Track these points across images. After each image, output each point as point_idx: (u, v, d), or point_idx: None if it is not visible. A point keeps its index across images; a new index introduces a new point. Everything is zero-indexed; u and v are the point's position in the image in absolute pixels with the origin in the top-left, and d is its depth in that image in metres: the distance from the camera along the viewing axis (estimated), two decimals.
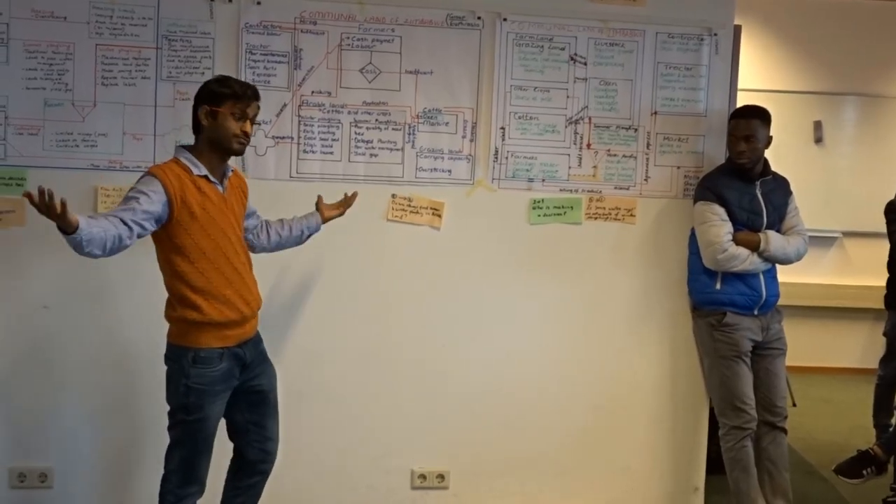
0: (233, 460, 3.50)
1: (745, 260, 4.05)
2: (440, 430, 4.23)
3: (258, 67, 3.96)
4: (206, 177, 3.20)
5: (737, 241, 4.06)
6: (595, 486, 4.36)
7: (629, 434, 4.36)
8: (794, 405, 6.29)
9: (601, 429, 4.33)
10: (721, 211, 4.06)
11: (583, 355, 4.29)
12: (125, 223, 2.98)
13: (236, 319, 3.25)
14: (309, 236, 3.73)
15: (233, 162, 3.37)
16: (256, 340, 3.40)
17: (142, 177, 3.14)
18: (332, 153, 4.06)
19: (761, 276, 4.13)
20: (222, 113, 3.17)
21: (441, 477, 4.24)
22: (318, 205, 3.76)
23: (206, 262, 3.18)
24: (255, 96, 3.25)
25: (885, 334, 5.12)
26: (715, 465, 4.36)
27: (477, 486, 4.28)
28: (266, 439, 3.46)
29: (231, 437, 3.45)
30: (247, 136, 3.21)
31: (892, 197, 5.07)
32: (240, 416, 3.41)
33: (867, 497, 4.79)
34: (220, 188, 3.25)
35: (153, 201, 3.06)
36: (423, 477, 4.23)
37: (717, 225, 4.05)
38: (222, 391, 3.26)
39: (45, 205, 2.71)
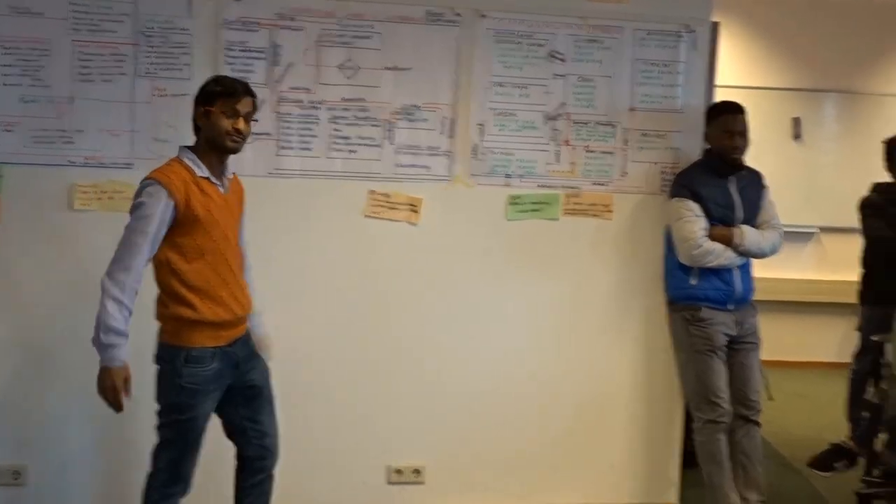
0: (236, 462, 3.50)
1: (719, 255, 4.08)
2: (417, 426, 4.25)
3: (236, 64, 3.96)
4: (207, 178, 3.21)
5: (712, 237, 4.09)
6: (572, 482, 4.39)
7: (606, 429, 4.39)
8: (771, 399, 6.31)
9: (579, 424, 4.37)
10: (695, 207, 4.09)
11: (560, 351, 4.32)
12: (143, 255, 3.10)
13: (230, 320, 3.25)
14: None
15: None
16: (247, 338, 3.41)
17: (147, 185, 3.12)
18: (310, 149, 4.06)
19: (736, 272, 4.16)
20: (215, 112, 3.17)
21: (417, 472, 4.27)
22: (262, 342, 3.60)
23: (203, 262, 3.18)
24: (247, 92, 3.24)
25: (858, 329, 5.17)
26: (692, 458, 4.40)
27: (454, 481, 4.30)
28: (263, 435, 3.45)
29: (230, 436, 3.45)
30: (240, 133, 3.20)
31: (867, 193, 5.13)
32: (235, 414, 3.40)
33: (840, 490, 4.83)
34: (221, 189, 3.26)
35: (162, 214, 3.08)
36: (399, 472, 4.25)
37: (692, 221, 4.08)
38: (214, 391, 3.26)
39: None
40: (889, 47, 7.77)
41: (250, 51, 3.99)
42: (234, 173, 3.39)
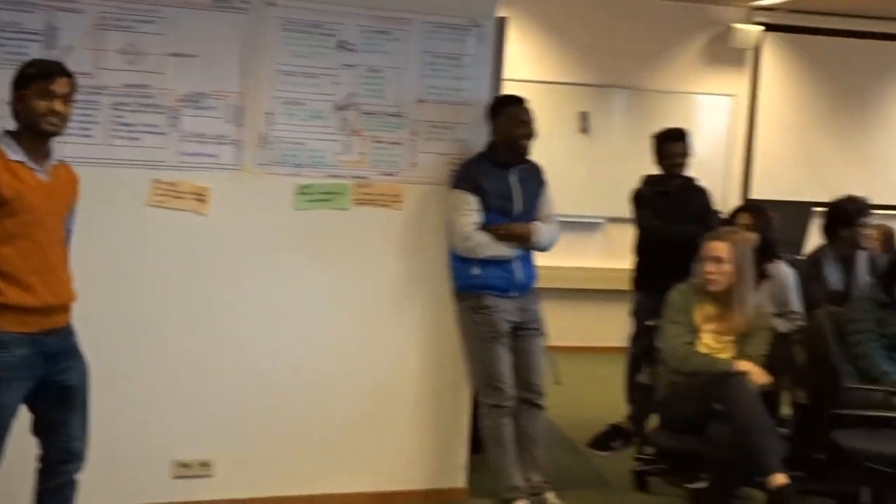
0: (38, 462, 3.34)
1: (488, 247, 4.20)
2: (204, 418, 4.18)
3: (9, 46, 3.78)
4: (22, 162, 3.12)
5: (512, 233, 4.22)
6: (361, 470, 4.43)
7: (394, 417, 4.45)
8: (559, 384, 6.55)
9: (367, 413, 4.40)
10: (472, 200, 4.20)
11: (348, 340, 4.35)
12: None
13: (37, 307, 3.15)
14: None
15: None
16: (66, 333, 3.29)
17: None
18: (90, 136, 3.93)
19: (517, 261, 4.30)
20: (29, 94, 3.11)
21: (205, 465, 4.20)
22: None
23: (13, 247, 3.09)
24: (63, 73, 3.17)
25: (632, 314, 5.45)
26: (480, 443, 4.51)
27: (244, 473, 4.26)
28: (70, 438, 3.32)
29: (35, 433, 3.30)
30: (56, 113, 3.13)
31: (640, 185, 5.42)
32: (44, 411, 3.27)
33: (618, 468, 5.07)
34: (41, 174, 3.16)
35: None
36: (185, 465, 4.18)
37: (465, 214, 4.20)
38: (20, 379, 3.14)
39: None
40: (672, 46, 8.18)
41: (24, 32, 3.81)
42: (62, 161, 3.31)
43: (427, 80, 4.34)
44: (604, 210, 7.83)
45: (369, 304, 4.36)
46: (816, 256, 5.20)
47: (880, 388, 4.31)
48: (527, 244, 4.31)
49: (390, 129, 4.33)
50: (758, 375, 3.95)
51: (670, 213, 5.26)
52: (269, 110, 4.15)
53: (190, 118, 4.05)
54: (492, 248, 4.21)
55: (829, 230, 5.22)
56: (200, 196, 4.09)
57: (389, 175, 4.34)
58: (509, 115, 4.28)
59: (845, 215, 5.16)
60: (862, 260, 5.25)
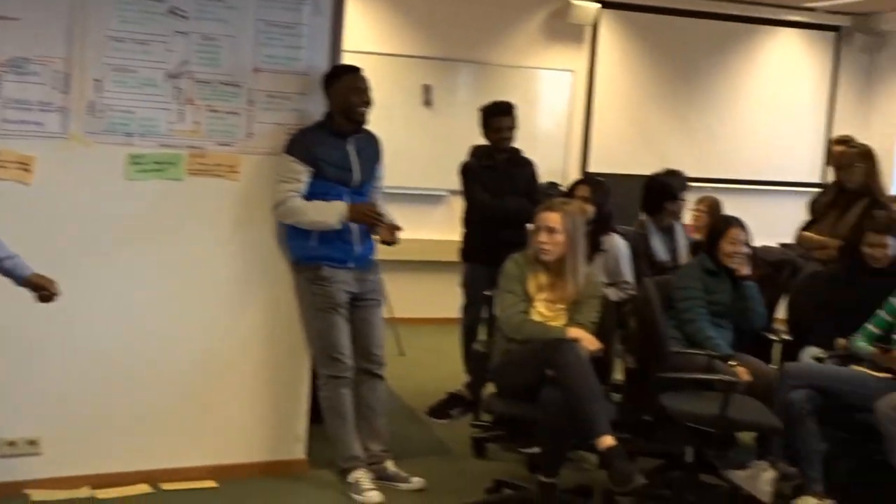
0: None
1: (297, 212, 4.19)
2: (31, 396, 4.04)
3: None
4: None
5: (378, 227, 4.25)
6: (199, 443, 4.38)
7: (233, 389, 4.41)
8: (403, 355, 6.63)
9: (205, 385, 4.35)
10: (300, 169, 4.19)
11: (185, 312, 4.28)
12: None
13: None
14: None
15: None
16: None
17: None
18: None
19: (356, 232, 4.31)
20: None
21: (33, 443, 4.07)
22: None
23: None
24: None
25: (462, 285, 5.54)
26: (320, 414, 4.51)
27: (74, 449, 4.15)
28: None
29: None
30: None
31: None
32: None
33: (457, 436, 5.16)
34: None
35: None
36: (12, 444, 4.04)
37: (287, 181, 4.19)
38: None
39: None
40: (514, 21, 8.26)
41: None
42: None
43: (263, 49, 4.28)
44: (447, 183, 7.80)
45: (205, 275, 4.30)
46: (643, 230, 5.41)
47: (702, 352, 4.51)
48: (388, 244, 4.33)
49: (226, 99, 4.26)
50: (589, 342, 4.06)
51: (498, 186, 5.38)
52: (97, 77, 4.02)
53: (12, 84, 3.89)
54: (307, 216, 4.19)
55: (652, 204, 5.43)
56: (24, 165, 3.93)
57: (225, 145, 4.28)
58: (346, 84, 4.27)
59: (669, 190, 5.38)
60: (680, 231, 5.50)
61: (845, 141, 6.16)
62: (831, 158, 6.18)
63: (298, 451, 4.56)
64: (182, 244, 4.24)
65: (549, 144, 8.35)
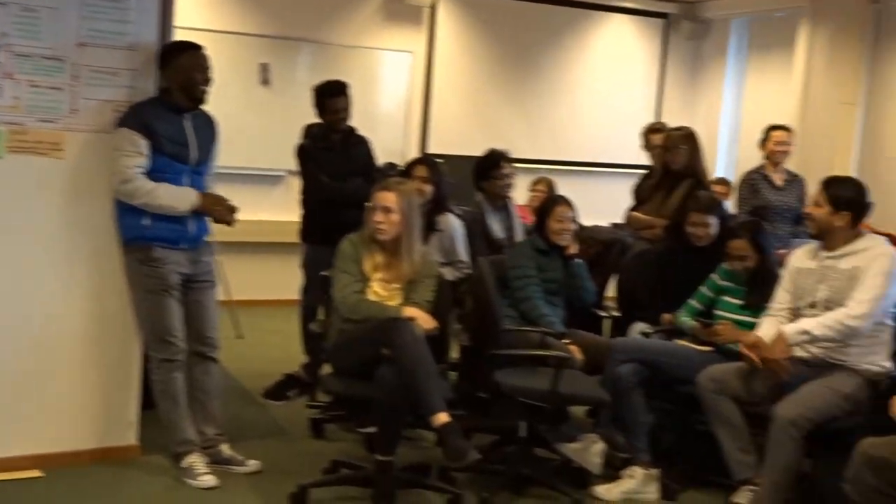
0: None
1: (147, 194, 4.08)
2: None
3: None
4: None
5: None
6: (25, 432, 4.21)
7: (59, 374, 4.25)
8: (241, 337, 6.54)
9: (29, 371, 4.18)
10: (140, 142, 4.07)
11: (7, 295, 4.11)
12: None
13: None
14: None
15: None
16: None
17: None
18: None
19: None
20: None
21: None
22: None
23: None
24: None
25: (302, 266, 5.52)
26: (152, 398, 4.41)
27: None
28: None
29: None
30: None
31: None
32: None
33: (295, 417, 5.14)
34: None
35: None
36: None
37: (129, 156, 4.06)
38: None
39: None
40: (353, 1, 8.24)
41: None
42: None
43: (88, 22, 4.13)
44: (285, 163, 7.72)
45: (28, 257, 4.13)
46: (479, 209, 5.49)
47: (535, 329, 4.63)
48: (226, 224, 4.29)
49: (48, 73, 4.09)
50: (424, 321, 4.10)
51: (336, 167, 5.36)
52: None
53: None
54: (149, 196, 4.08)
55: (480, 176, 5.52)
56: None
57: (48, 122, 4.11)
58: (188, 60, 4.18)
59: (491, 158, 5.50)
60: (514, 210, 5.63)
61: (658, 129, 6.38)
62: (647, 144, 6.40)
63: (130, 437, 4.44)
64: (3, 225, 4.06)
65: (388, 125, 8.37)
